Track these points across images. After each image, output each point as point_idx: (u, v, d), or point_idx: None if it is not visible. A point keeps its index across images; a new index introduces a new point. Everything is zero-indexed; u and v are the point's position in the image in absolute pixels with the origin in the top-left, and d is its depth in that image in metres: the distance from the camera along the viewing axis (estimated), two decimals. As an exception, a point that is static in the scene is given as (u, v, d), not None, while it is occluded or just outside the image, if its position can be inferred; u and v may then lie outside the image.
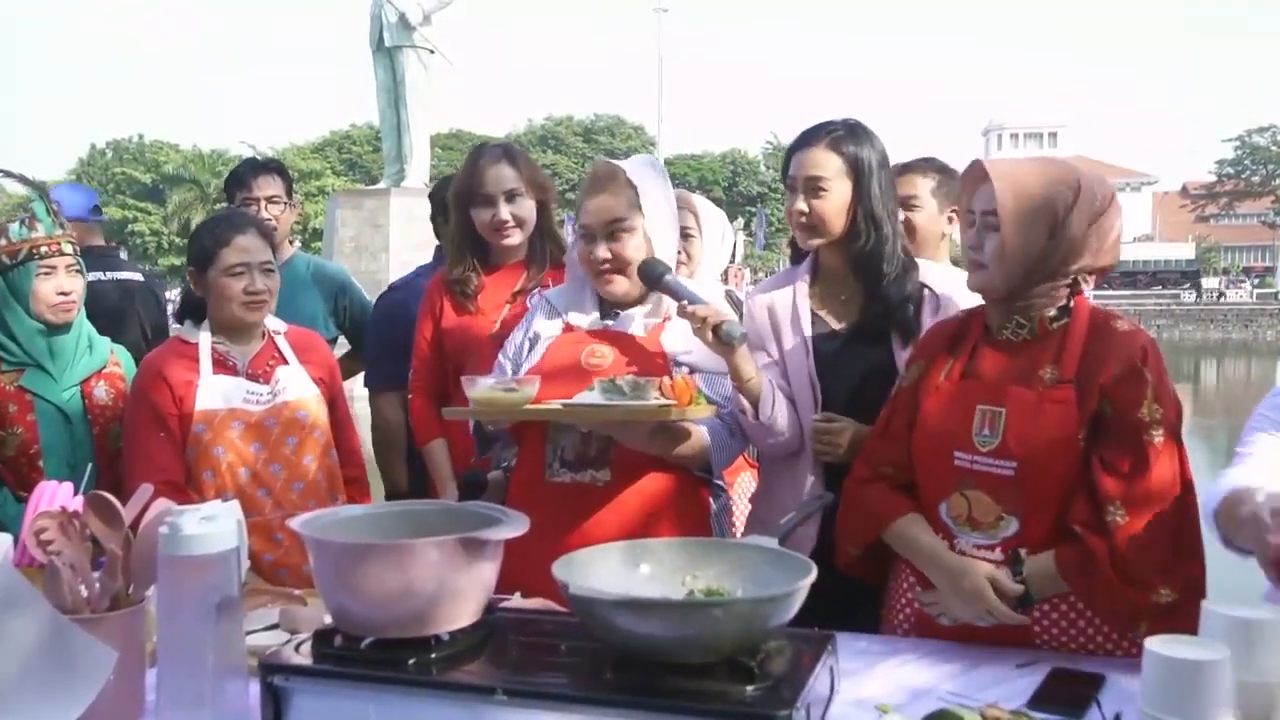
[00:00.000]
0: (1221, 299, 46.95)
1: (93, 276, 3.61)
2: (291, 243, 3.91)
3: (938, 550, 1.86)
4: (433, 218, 3.35)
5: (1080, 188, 1.83)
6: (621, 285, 2.23)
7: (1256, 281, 55.47)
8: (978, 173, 1.89)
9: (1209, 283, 54.33)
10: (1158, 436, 1.78)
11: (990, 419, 1.84)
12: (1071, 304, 1.89)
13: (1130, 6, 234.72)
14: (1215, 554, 1.85)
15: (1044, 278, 1.86)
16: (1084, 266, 1.86)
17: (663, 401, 1.96)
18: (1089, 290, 1.93)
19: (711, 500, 2.27)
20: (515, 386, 2.06)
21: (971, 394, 1.88)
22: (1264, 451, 1.81)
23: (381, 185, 13.00)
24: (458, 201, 2.83)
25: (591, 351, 2.21)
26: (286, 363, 2.54)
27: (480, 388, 2.07)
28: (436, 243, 3.34)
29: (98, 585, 1.54)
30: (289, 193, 3.67)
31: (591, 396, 2.02)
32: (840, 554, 2.02)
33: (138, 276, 3.79)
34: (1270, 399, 1.90)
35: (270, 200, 3.56)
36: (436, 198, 3.31)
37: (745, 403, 2.16)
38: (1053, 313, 1.89)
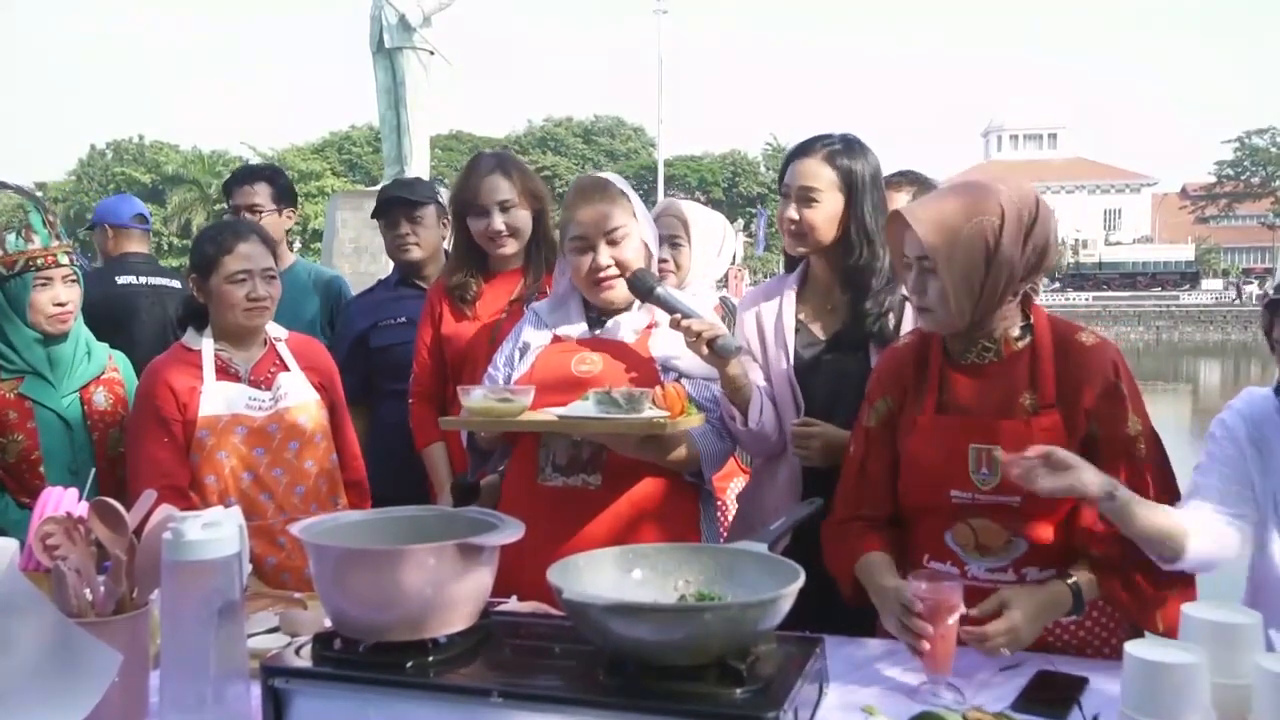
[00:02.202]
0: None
1: (125, 280, 3.66)
2: (291, 246, 3.95)
3: (882, 581, 1.83)
4: (374, 215, 3.39)
5: (1004, 211, 1.80)
6: (622, 291, 2.25)
7: (1255, 283, 55.39)
8: (899, 219, 1.88)
9: (1211, 284, 54.13)
10: (1142, 448, 1.81)
11: (986, 458, 1.82)
12: (1031, 319, 1.90)
13: (1130, 6, 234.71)
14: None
15: (993, 306, 1.85)
16: (1029, 281, 1.86)
17: (656, 414, 1.98)
18: (1041, 298, 1.93)
19: (700, 504, 2.30)
20: (510, 396, 2.07)
21: (959, 432, 1.86)
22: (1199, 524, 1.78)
23: (381, 186, 12.98)
24: (455, 210, 2.89)
25: (581, 359, 2.24)
26: (288, 369, 2.57)
27: (475, 397, 2.09)
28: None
29: (102, 589, 1.56)
30: (279, 199, 3.69)
31: (586, 407, 2.03)
32: (844, 592, 1.99)
33: (175, 283, 3.83)
34: (1209, 460, 1.88)
35: (251, 209, 3.62)
36: (379, 200, 3.36)
37: (735, 410, 2.19)
38: (1016, 332, 1.89)
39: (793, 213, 2.31)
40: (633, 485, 2.18)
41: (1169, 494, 1.83)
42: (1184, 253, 59.40)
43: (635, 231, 2.26)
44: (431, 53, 12.02)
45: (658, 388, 2.04)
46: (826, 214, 2.29)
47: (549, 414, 2.08)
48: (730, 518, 2.70)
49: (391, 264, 3.46)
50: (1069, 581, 1.78)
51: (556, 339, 2.31)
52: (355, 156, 58.42)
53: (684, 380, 2.20)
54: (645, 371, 2.21)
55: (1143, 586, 1.78)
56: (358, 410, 3.00)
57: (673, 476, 2.22)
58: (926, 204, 1.86)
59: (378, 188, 4.88)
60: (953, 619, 1.63)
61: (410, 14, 11.61)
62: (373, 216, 3.39)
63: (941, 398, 1.92)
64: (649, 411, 1.99)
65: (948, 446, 1.86)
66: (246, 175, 3.80)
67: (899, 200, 2.88)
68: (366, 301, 3.44)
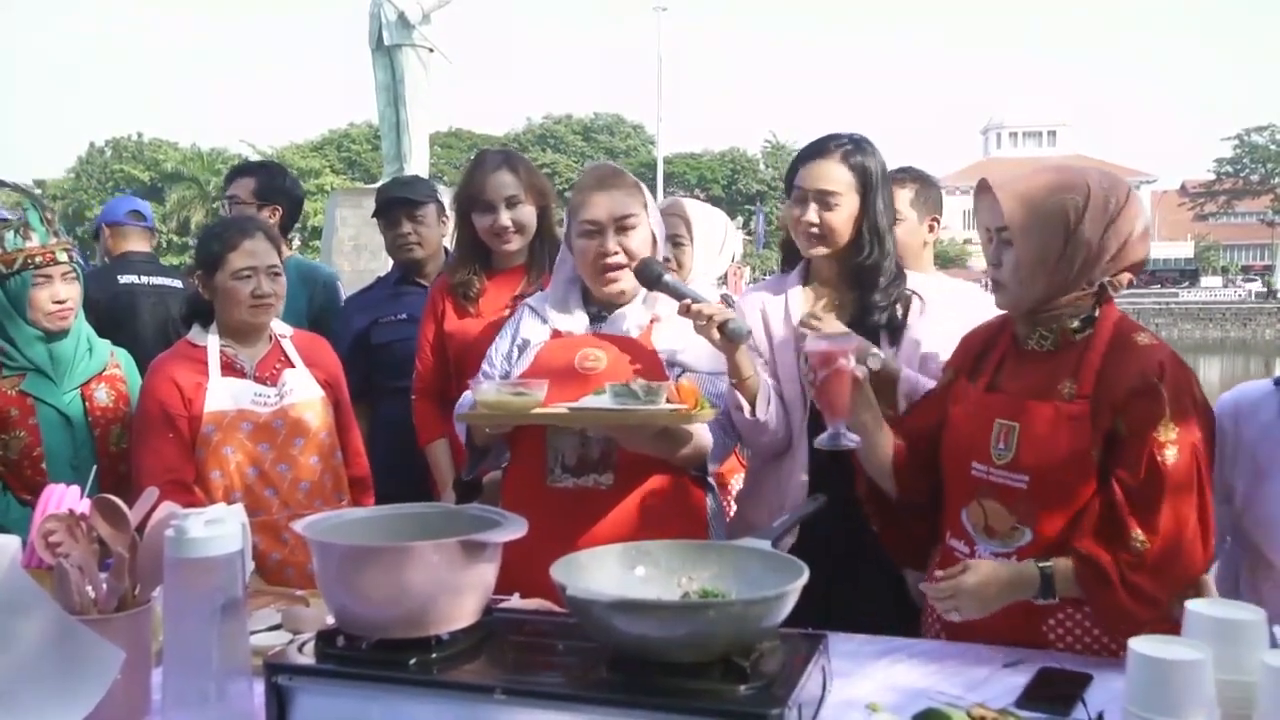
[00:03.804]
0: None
1: (128, 279, 3.65)
2: (289, 242, 3.94)
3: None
4: (375, 215, 3.38)
5: (1090, 193, 1.80)
6: (626, 283, 2.24)
7: (1257, 280, 55.42)
8: (985, 189, 1.87)
9: (1211, 280, 54.10)
10: (1171, 455, 1.73)
11: (1005, 433, 1.85)
12: (1097, 314, 1.86)
13: (1130, 6, 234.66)
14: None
15: (1065, 288, 1.84)
16: (1107, 271, 1.84)
17: (676, 405, 1.98)
18: (1119, 295, 1.89)
19: (707, 498, 2.30)
20: (524, 390, 2.05)
21: (991, 407, 1.90)
22: None
23: (380, 185, 12.96)
24: (460, 207, 2.89)
25: (586, 355, 2.23)
26: (293, 366, 2.58)
27: (489, 391, 2.07)
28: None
29: (105, 586, 1.57)
30: (258, 195, 3.68)
31: (602, 400, 2.02)
32: (859, 489, 2.09)
33: (176, 283, 3.83)
34: None
35: (233, 201, 3.68)
36: (379, 199, 3.36)
37: (742, 400, 2.18)
38: (1076, 324, 1.87)
39: (812, 216, 2.29)
40: (644, 483, 2.17)
41: (1192, 507, 1.74)
42: (1183, 250, 59.36)
43: (645, 223, 2.26)
44: (431, 50, 12.01)
45: (670, 382, 2.04)
46: (845, 216, 2.29)
47: (559, 408, 2.05)
48: (729, 513, 2.69)
49: (391, 262, 3.45)
50: (1041, 564, 1.78)
51: (557, 333, 2.30)
52: (354, 154, 58.30)
53: (688, 375, 2.20)
54: (651, 366, 2.21)
55: (1120, 595, 1.73)
56: (359, 408, 3.00)
57: (681, 473, 2.22)
58: (1015, 177, 1.87)
59: (377, 185, 4.89)
60: (835, 366, 1.82)
61: (409, 11, 11.60)
62: (373, 216, 3.39)
63: (994, 379, 1.95)
64: (666, 404, 1.98)
65: (979, 420, 1.90)
66: (238, 169, 3.88)
67: (901, 197, 2.87)
68: (366, 299, 3.44)
